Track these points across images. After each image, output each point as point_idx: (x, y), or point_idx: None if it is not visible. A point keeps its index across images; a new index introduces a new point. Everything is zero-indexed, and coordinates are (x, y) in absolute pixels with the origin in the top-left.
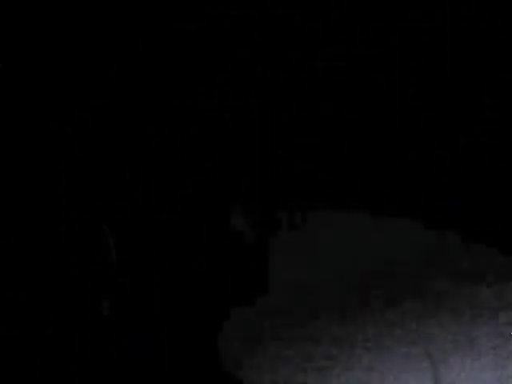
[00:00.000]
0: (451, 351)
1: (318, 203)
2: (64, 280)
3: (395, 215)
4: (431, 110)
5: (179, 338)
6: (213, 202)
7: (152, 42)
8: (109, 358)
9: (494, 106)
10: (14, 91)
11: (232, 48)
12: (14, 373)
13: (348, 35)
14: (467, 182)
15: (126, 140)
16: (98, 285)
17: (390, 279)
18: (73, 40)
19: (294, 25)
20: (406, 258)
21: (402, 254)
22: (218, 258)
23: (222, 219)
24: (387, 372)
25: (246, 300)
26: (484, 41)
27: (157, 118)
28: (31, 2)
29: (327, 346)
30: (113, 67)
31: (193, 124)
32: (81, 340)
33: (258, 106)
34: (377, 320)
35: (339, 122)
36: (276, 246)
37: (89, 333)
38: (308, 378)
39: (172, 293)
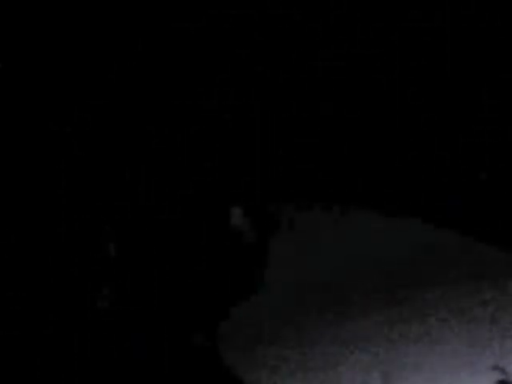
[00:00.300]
0: (451, 352)
1: (318, 203)
2: (64, 278)
3: (395, 215)
4: (431, 110)
5: (179, 337)
6: (213, 202)
7: (152, 42)
8: (109, 358)
9: (494, 106)
10: (14, 91)
11: (232, 48)
12: (15, 372)
13: (348, 35)
14: (467, 182)
15: (126, 140)
16: (98, 283)
17: (390, 279)
18: (73, 40)
19: (293, 25)
20: (406, 257)
21: (402, 253)
22: (217, 257)
23: (222, 219)
24: (388, 372)
25: (245, 300)
26: (484, 41)
27: (157, 118)
28: (31, 2)
29: (327, 345)
30: (113, 67)
31: (193, 124)
32: (81, 339)
33: (257, 105)
34: (377, 320)
35: (339, 122)
36: (276, 245)
37: (89, 332)
38: (308, 378)
39: (172, 293)
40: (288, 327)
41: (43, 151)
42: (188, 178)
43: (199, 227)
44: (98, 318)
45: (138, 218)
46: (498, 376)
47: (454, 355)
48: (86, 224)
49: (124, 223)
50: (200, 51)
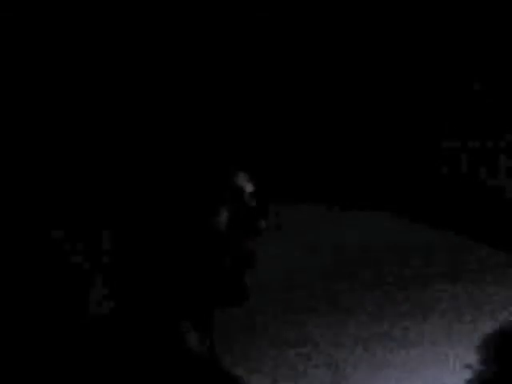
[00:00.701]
0: (454, 353)
1: (312, 201)
2: (57, 281)
3: (392, 214)
4: (427, 112)
5: (175, 340)
6: (199, 200)
7: (152, 41)
8: (104, 361)
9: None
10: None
11: (231, 47)
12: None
13: (349, 34)
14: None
15: (122, 139)
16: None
17: (389, 279)
18: (73, 40)
19: (294, 25)
20: (406, 257)
21: (399, 253)
22: (212, 258)
23: (208, 218)
24: (388, 372)
25: (244, 301)
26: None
27: (152, 118)
28: (31, 2)
29: (327, 346)
30: (112, 67)
31: (187, 123)
32: (76, 342)
33: (250, 105)
34: (376, 320)
35: (331, 121)
36: (268, 246)
37: (84, 335)
38: (307, 379)
39: (168, 294)
40: (287, 328)
41: (43, 151)
42: (178, 179)
43: (192, 228)
44: (93, 320)
45: (134, 220)
46: None
47: (455, 357)
48: (71, 229)
49: (120, 226)
50: (200, 50)
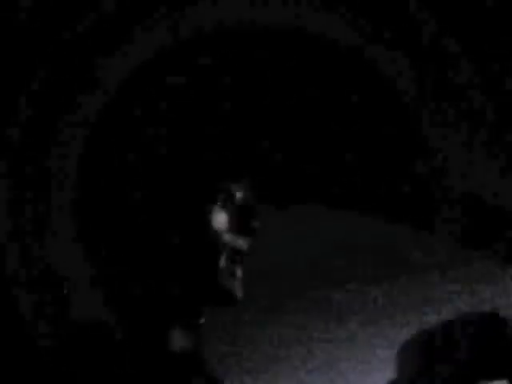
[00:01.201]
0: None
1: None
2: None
3: (384, 212)
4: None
5: (162, 337)
6: (193, 201)
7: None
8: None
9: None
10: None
11: (228, 46)
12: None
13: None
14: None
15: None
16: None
17: (386, 278)
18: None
19: (292, 23)
20: (405, 257)
21: (396, 254)
22: (206, 257)
23: (203, 218)
24: (387, 373)
25: (241, 300)
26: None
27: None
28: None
29: (326, 345)
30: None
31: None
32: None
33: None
34: (374, 319)
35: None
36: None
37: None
38: (307, 379)
39: (162, 294)
40: (286, 327)
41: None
42: (170, 174)
43: (180, 227)
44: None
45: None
46: None
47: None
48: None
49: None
50: (199, 48)
